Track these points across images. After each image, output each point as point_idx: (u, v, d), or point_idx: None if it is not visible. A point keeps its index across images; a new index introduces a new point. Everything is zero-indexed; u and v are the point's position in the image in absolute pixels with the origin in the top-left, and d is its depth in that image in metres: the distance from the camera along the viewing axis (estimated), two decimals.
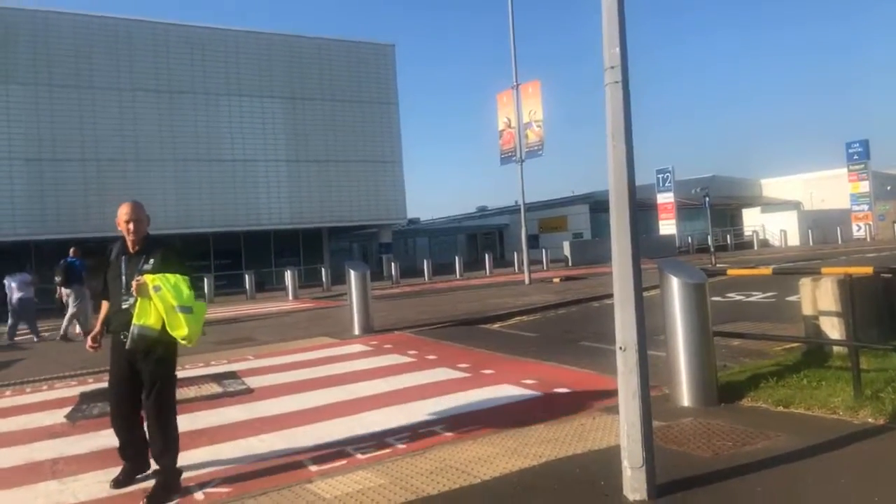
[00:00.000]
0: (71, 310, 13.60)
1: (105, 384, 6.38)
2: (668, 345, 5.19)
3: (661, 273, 5.22)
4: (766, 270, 5.69)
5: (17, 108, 26.93)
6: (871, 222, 42.43)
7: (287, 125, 32.37)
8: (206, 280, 23.26)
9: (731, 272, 6.13)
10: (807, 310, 6.15)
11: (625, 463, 3.31)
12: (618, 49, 3.30)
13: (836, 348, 5.84)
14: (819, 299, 5.90)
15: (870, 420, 4.35)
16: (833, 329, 5.78)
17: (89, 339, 4.31)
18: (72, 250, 14.08)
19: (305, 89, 32.78)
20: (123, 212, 4.16)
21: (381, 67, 34.98)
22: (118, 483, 4.15)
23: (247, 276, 25.71)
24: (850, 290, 4.92)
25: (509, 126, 21.86)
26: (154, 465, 4.15)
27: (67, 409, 6.50)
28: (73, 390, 7.52)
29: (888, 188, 47.37)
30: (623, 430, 3.33)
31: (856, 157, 43.27)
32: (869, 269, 4.86)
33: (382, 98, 34.81)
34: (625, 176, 3.29)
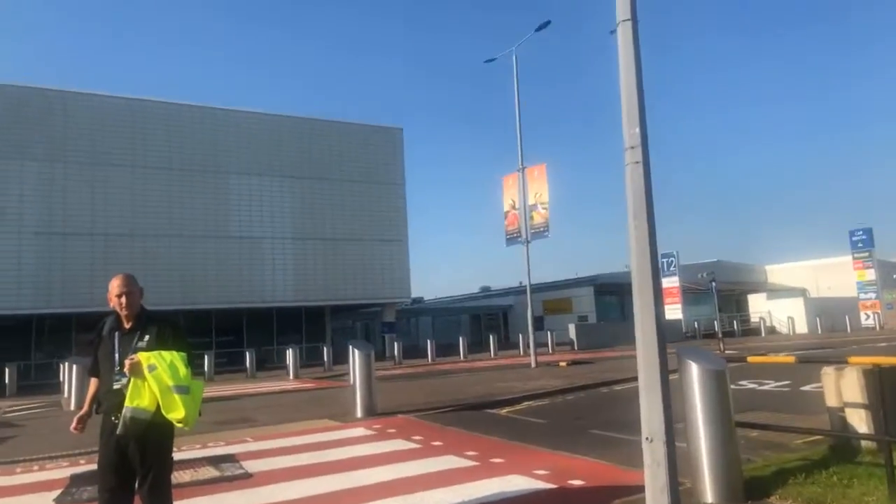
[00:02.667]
0: None
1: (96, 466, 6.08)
2: (689, 434, 4.94)
3: (680, 359, 5.05)
4: (790, 359, 5.49)
5: (30, 183, 27.45)
6: (879, 311, 42.10)
7: (294, 203, 32.83)
8: (206, 357, 22.98)
9: (751, 359, 5.91)
10: (830, 401, 5.90)
11: None
12: (637, 129, 3.27)
13: (864, 443, 5.57)
14: (844, 390, 5.67)
15: None
16: (861, 422, 5.53)
17: (75, 420, 3.94)
18: None
19: (314, 169, 33.43)
20: (115, 285, 3.96)
21: (389, 149, 35.80)
22: None
23: (248, 354, 25.35)
24: (880, 380, 4.72)
25: (514, 207, 22.08)
26: None
27: (56, 493, 6.18)
28: (64, 472, 7.19)
29: (894, 276, 47.27)
30: None
31: (860, 244, 43.43)
32: None
33: (390, 179, 35.43)
34: (648, 257, 3.19)
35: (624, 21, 3.16)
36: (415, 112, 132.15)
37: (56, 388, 20.37)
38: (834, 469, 5.19)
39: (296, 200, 32.87)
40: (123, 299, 3.93)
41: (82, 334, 29.19)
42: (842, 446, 5.73)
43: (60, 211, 27.83)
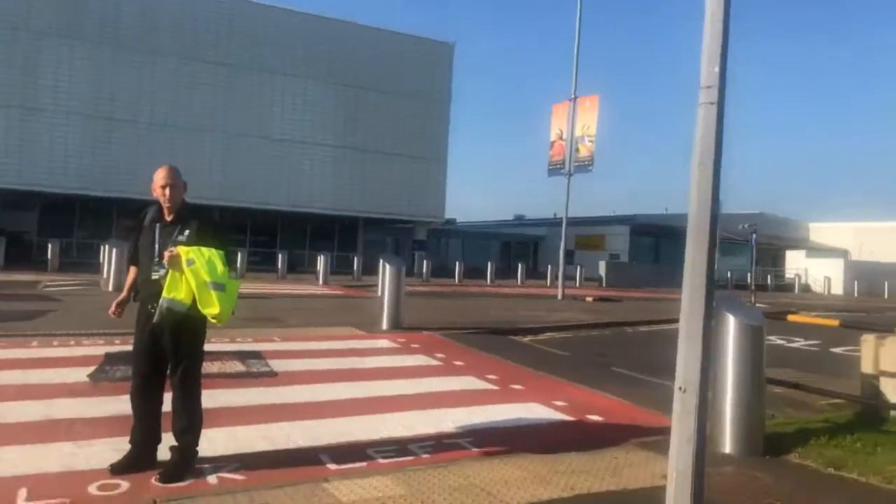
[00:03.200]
0: None
1: (131, 347, 6.29)
2: (717, 385, 4.87)
3: (718, 308, 4.92)
4: (833, 322, 5.35)
5: (80, 65, 27.51)
6: None
7: (339, 111, 32.52)
8: (239, 255, 23.48)
9: (791, 318, 5.78)
10: (866, 367, 5.78)
11: None
12: (717, 68, 3.03)
13: (893, 413, 5.47)
14: (882, 358, 5.53)
15: None
16: (894, 391, 5.41)
17: (114, 304, 4.04)
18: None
19: (362, 78, 32.88)
20: (160, 176, 3.94)
21: (440, 65, 34.93)
22: (114, 469, 3.79)
23: (280, 256, 25.83)
24: None
25: (560, 138, 21.53)
26: (165, 451, 3.98)
27: (91, 369, 6.45)
28: (99, 349, 7.49)
29: None
30: (671, 476, 3.06)
31: None
32: None
33: (436, 96, 34.74)
34: (709, 205, 3.03)
35: None
36: (470, 25, 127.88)
37: (95, 267, 21.07)
38: (858, 435, 5.12)
39: (339, 108, 32.53)
40: (167, 191, 3.92)
41: (122, 219, 30.00)
42: (869, 414, 5.64)
43: (108, 95, 28.02)
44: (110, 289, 15.55)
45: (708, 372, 3.03)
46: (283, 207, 31.70)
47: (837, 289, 40.40)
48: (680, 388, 3.05)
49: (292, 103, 31.49)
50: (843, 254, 47.15)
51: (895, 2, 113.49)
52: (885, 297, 38.13)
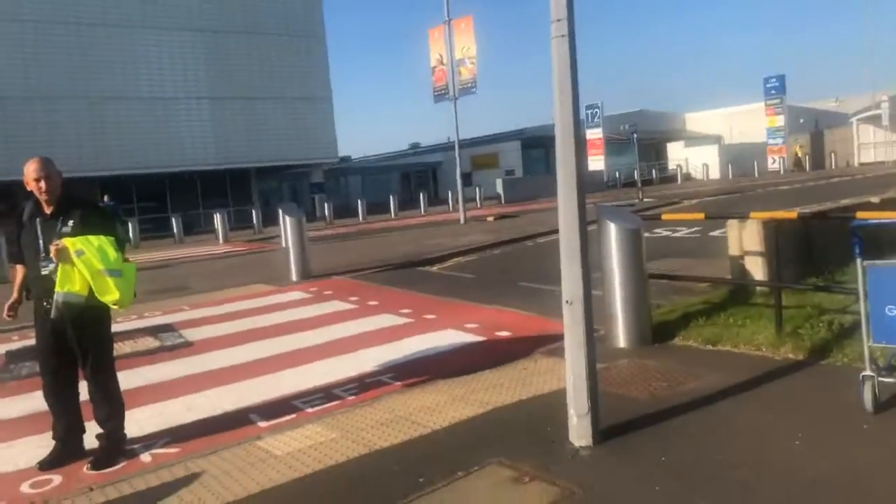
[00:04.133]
0: None
1: (31, 342, 6.12)
2: (605, 287, 5.35)
3: (599, 219, 5.35)
4: (700, 215, 5.92)
5: None
6: (784, 155, 44.41)
7: (209, 60, 30.77)
8: (129, 224, 22.36)
9: (665, 216, 6.34)
10: (733, 250, 6.46)
11: (570, 411, 3.46)
12: (564, 1, 3.25)
13: (758, 288, 6.18)
14: (745, 240, 6.20)
15: (790, 356, 4.67)
16: (757, 268, 6.11)
17: (6, 308, 3.93)
18: (105, 196, 16.77)
19: (228, 22, 31.10)
20: (31, 169, 3.74)
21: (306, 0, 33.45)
22: (43, 465, 3.80)
23: (173, 220, 24.82)
24: (775, 233, 5.18)
25: (441, 63, 21.49)
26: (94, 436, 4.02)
27: None
28: None
29: (801, 121, 49.50)
30: (569, 380, 3.45)
31: (773, 91, 44.74)
32: (793, 214, 5.12)
33: (309, 32, 33.45)
34: (571, 131, 3.31)
35: None
36: None
37: None
38: (731, 311, 5.79)
39: (210, 56, 30.76)
40: (42, 184, 3.77)
41: None
42: (739, 291, 6.35)
43: None
44: None
45: (590, 284, 3.40)
46: (167, 168, 30.14)
47: (715, 173, 43.27)
48: (567, 302, 3.41)
49: (158, 57, 29.46)
50: (717, 140, 50.20)
51: None
52: (756, 176, 41.27)
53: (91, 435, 4.00)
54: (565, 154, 3.28)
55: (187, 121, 30.34)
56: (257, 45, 31.85)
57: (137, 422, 4.39)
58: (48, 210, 3.84)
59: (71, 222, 3.79)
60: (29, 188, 3.83)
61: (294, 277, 10.65)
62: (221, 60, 31.03)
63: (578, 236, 3.26)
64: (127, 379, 5.23)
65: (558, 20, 3.24)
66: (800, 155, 44.50)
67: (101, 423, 3.95)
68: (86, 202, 4.06)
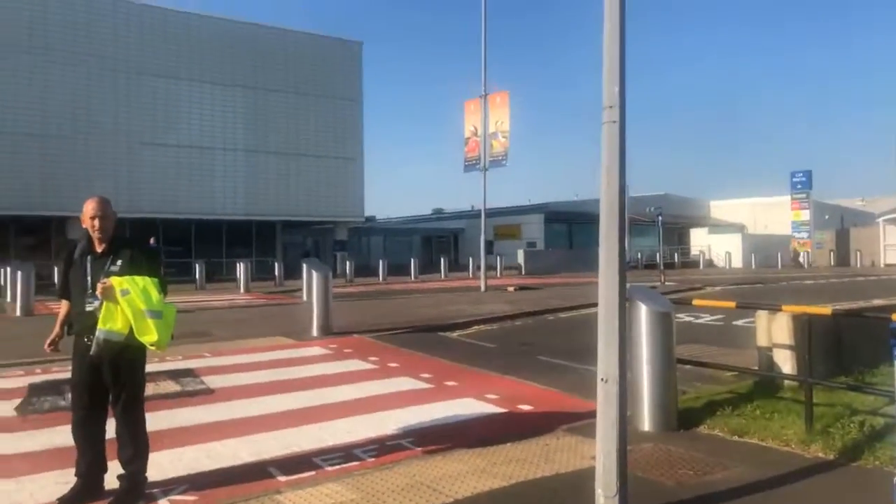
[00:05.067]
0: None
1: (54, 376, 6.16)
2: (633, 369, 5.32)
3: (630, 299, 5.37)
4: (731, 304, 5.91)
5: None
6: (809, 249, 44.24)
7: (248, 115, 31.86)
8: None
9: (696, 302, 6.33)
10: (762, 341, 6.41)
11: (598, 491, 3.40)
12: (617, 88, 3.39)
13: (786, 382, 6.11)
14: (774, 333, 6.16)
15: (820, 454, 4.57)
16: (786, 362, 6.05)
17: (48, 341, 4.02)
18: (151, 239, 17.73)
19: (269, 80, 32.34)
20: (90, 208, 3.90)
21: (348, 64, 34.77)
22: (63, 502, 3.81)
23: (197, 266, 25.14)
24: (807, 327, 5.16)
25: (475, 134, 22.01)
26: (117, 474, 4.02)
27: (15, 402, 6.27)
28: (20, 381, 7.25)
29: (826, 217, 49.55)
30: (599, 458, 3.42)
31: (799, 185, 45.06)
32: (827, 310, 5.11)
33: (347, 95, 34.59)
34: (616, 214, 3.39)
35: None
36: (378, 29, 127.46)
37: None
38: (758, 403, 5.70)
39: (249, 111, 31.87)
40: (97, 222, 3.91)
41: (22, 238, 28.35)
42: (766, 383, 6.27)
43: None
44: (18, 314, 14.80)
45: (626, 364, 3.41)
46: (196, 215, 30.80)
47: (737, 262, 43.10)
48: (602, 380, 3.41)
49: (199, 108, 30.59)
50: (741, 229, 50.27)
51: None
52: (779, 267, 41.04)
53: (113, 474, 4.00)
54: (609, 235, 3.36)
55: (222, 171, 31.19)
56: (296, 103, 32.98)
57: (158, 465, 4.38)
58: (99, 248, 3.97)
59: (120, 262, 3.91)
60: (84, 225, 3.99)
61: (315, 332, 10.68)
62: (260, 115, 32.12)
63: (618, 316, 3.30)
64: (149, 422, 5.28)
65: (610, 107, 3.38)
66: (799, 251, 44.36)
67: (124, 464, 3.95)
68: (135, 243, 4.20)
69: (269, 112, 32.37)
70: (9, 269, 16.52)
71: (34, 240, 28.17)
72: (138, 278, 3.82)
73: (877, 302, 8.19)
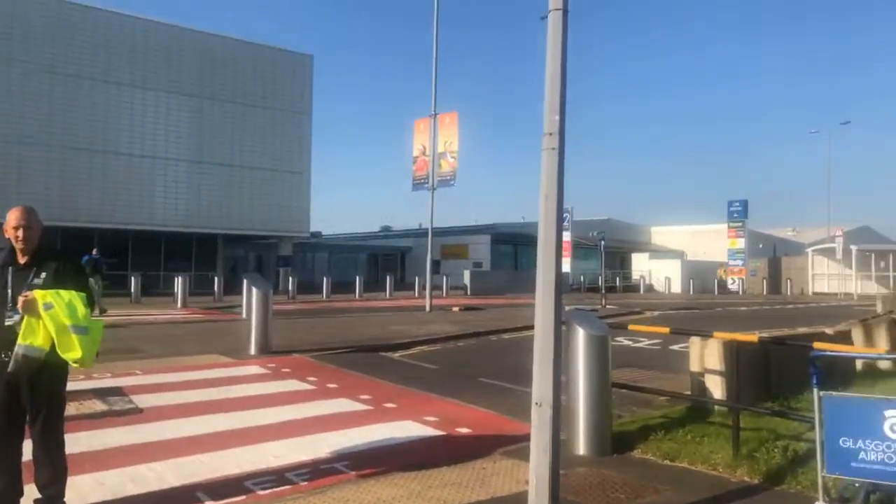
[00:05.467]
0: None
1: None
2: (569, 392, 5.39)
3: (568, 323, 5.45)
4: (665, 329, 6.06)
5: None
6: (743, 277, 45.90)
7: (192, 124, 31.17)
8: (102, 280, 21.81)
9: (632, 327, 6.48)
10: (694, 366, 6.59)
11: None
12: (557, 117, 3.47)
13: (717, 407, 6.28)
14: (706, 358, 6.34)
15: (746, 478, 4.71)
16: (716, 387, 6.22)
17: None
18: (94, 250, 19.39)
19: (216, 89, 31.75)
20: (13, 217, 3.72)
21: (298, 77, 34.50)
22: None
23: (133, 279, 24.31)
24: (736, 354, 5.34)
25: (424, 153, 22.11)
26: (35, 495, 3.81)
27: None
28: None
29: (760, 246, 51.60)
30: (532, 482, 3.44)
31: (735, 214, 46.77)
32: (754, 338, 5.29)
33: (296, 107, 34.27)
34: (554, 237, 3.44)
35: (555, 10, 3.30)
36: (326, 40, 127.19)
37: None
38: (689, 427, 5.85)
39: (193, 120, 31.19)
40: (21, 233, 3.74)
41: None
42: (698, 407, 6.44)
43: None
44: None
45: (560, 388, 3.45)
46: (134, 226, 29.82)
47: (676, 287, 44.36)
48: (536, 404, 3.44)
49: (141, 115, 29.74)
50: (680, 255, 51.80)
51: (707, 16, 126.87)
52: (715, 293, 42.43)
53: (29, 499, 3.78)
54: (546, 259, 3.41)
55: (163, 181, 30.35)
56: (243, 114, 32.47)
57: (78, 490, 4.18)
58: (22, 260, 3.79)
59: (44, 274, 3.73)
60: (6, 235, 3.80)
61: (253, 351, 10.44)
62: (205, 125, 31.46)
63: (553, 340, 3.33)
64: (70, 443, 5.01)
65: (550, 134, 3.45)
66: (725, 278, 46.09)
67: (41, 488, 3.75)
68: (61, 255, 4.01)
69: (214, 122, 31.74)
70: None
71: None
72: (63, 292, 3.66)
73: (802, 330, 8.55)
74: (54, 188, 27.15)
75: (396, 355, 11.33)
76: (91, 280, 18.75)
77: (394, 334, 13.69)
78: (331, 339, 12.53)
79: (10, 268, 3.78)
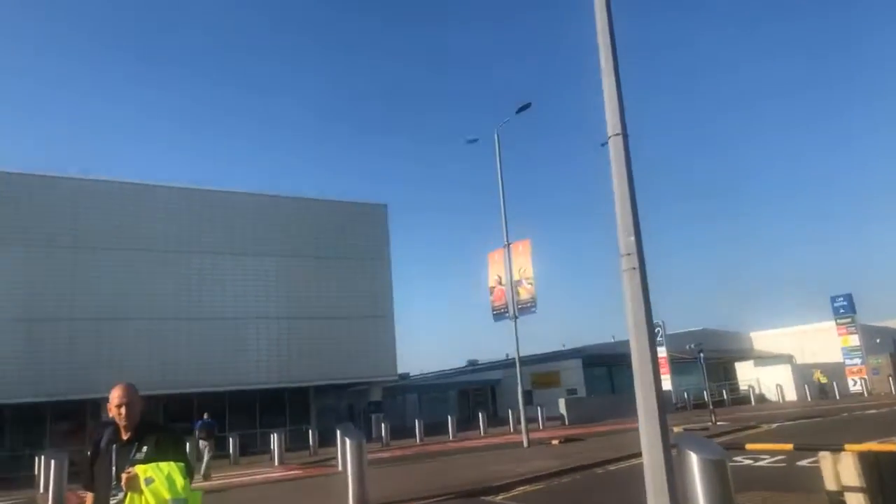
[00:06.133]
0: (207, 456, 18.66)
1: None
2: None
3: (679, 449, 5.02)
4: (788, 446, 5.52)
5: (3, 267, 26.86)
6: (865, 376, 42.20)
7: (279, 283, 32.70)
8: (187, 444, 22.29)
9: (749, 446, 5.92)
10: (830, 485, 5.87)
11: None
12: (632, 237, 3.39)
13: None
14: (842, 474, 5.65)
15: None
16: None
17: None
18: (205, 414, 20.85)
19: (297, 248, 33.51)
20: (115, 395, 3.88)
21: (375, 226, 36.10)
22: None
23: (230, 440, 24.67)
24: (877, 466, 4.74)
25: (500, 283, 22.20)
26: None
27: None
28: None
29: (877, 340, 47.66)
30: None
31: (842, 310, 43.95)
32: (893, 447, 4.70)
33: (375, 255, 35.56)
34: (649, 359, 3.25)
35: (615, 135, 3.33)
36: (399, 186, 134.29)
37: (30, 481, 19.57)
38: None
39: (281, 280, 32.77)
40: (123, 410, 3.87)
41: (57, 424, 28.33)
42: None
43: (27, 296, 27.06)
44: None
45: None
46: (230, 387, 30.71)
47: (790, 394, 41.08)
48: None
49: (233, 281, 31.53)
50: (789, 359, 48.47)
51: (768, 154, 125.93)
52: (837, 397, 38.95)
53: None
54: (644, 384, 3.20)
55: (255, 340, 31.49)
56: (325, 268, 33.87)
57: None
58: (125, 436, 3.89)
59: (145, 448, 3.81)
60: (111, 414, 3.93)
61: None
62: (291, 282, 32.92)
63: (665, 471, 3.05)
64: None
65: (628, 254, 3.36)
66: (822, 381, 42.17)
67: None
68: (161, 427, 4.10)
69: (299, 279, 33.20)
70: (42, 459, 16.31)
71: (69, 425, 28.10)
72: (163, 464, 3.70)
73: None
74: (156, 358, 28.53)
75: (499, 498, 10.72)
76: (203, 444, 19.16)
77: (493, 475, 13.05)
78: (429, 485, 12.05)
79: (114, 445, 3.88)
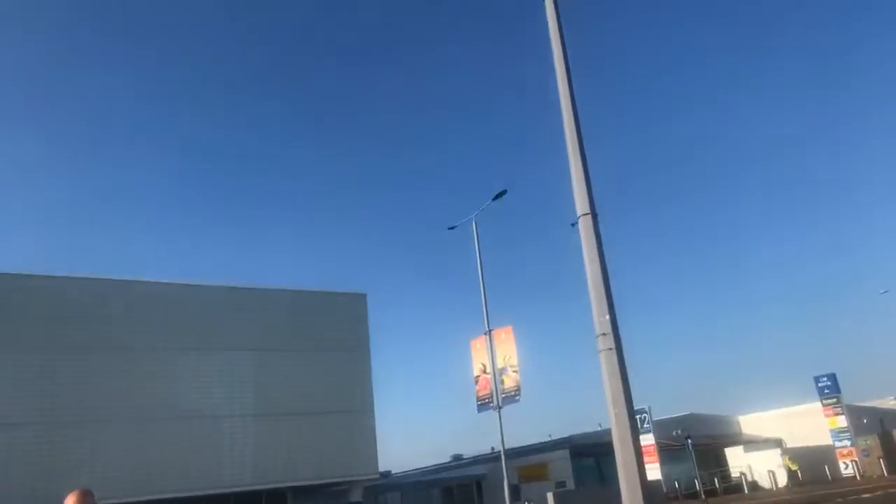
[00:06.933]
0: None
1: None
2: None
3: None
4: None
5: None
6: (856, 458, 41.48)
7: (256, 378, 31.77)
8: None
9: None
10: None
11: None
12: (607, 316, 3.31)
13: None
14: None
15: None
16: None
17: None
18: None
19: (276, 340, 32.78)
20: (70, 503, 3.82)
21: (354, 317, 35.59)
22: None
23: None
24: None
25: (484, 371, 21.84)
26: None
27: None
28: None
29: (864, 421, 47.20)
30: None
31: (826, 390, 43.69)
32: None
33: (354, 346, 34.86)
34: (631, 446, 3.09)
35: (584, 215, 3.31)
36: (377, 276, 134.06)
37: None
38: None
39: (257, 374, 31.88)
40: None
41: None
42: None
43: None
44: None
45: None
46: (204, 491, 29.18)
47: (783, 479, 40.11)
48: None
49: (208, 377, 30.57)
50: (779, 443, 47.65)
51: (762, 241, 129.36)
52: (830, 481, 38.08)
53: None
54: (628, 469, 3.03)
55: (230, 439, 30.26)
56: (304, 360, 33.03)
57: None
58: None
59: None
60: None
61: None
62: (268, 377, 31.97)
63: None
64: None
65: (603, 334, 3.27)
66: (792, 469, 41.34)
67: None
68: None
69: (277, 373, 32.29)
70: None
71: None
72: None
73: None
74: (126, 462, 27.19)
75: None
76: None
77: None
78: None
79: None
